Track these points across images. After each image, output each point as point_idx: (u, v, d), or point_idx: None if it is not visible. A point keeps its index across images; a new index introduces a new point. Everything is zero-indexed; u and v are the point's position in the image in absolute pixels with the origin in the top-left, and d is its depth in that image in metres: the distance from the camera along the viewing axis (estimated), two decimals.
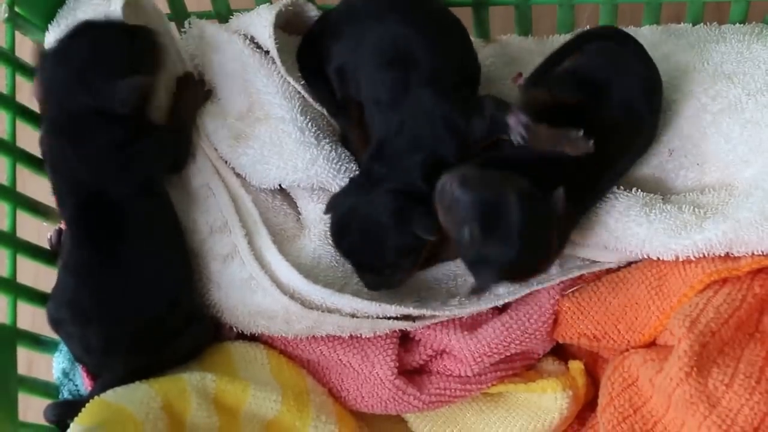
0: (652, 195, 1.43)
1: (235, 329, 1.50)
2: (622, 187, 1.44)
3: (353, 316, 1.42)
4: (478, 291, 1.35)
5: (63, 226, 1.50)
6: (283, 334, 1.48)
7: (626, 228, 1.40)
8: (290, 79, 1.54)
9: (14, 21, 1.52)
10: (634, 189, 1.43)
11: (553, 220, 1.30)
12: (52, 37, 1.54)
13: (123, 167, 1.42)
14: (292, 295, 1.42)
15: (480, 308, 1.47)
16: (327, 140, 1.52)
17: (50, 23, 1.56)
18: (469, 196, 1.27)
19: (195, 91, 1.56)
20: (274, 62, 1.56)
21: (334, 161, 1.49)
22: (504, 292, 1.48)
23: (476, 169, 1.32)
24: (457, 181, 1.28)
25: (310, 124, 1.51)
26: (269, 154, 1.51)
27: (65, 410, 1.43)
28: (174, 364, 1.42)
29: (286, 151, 1.50)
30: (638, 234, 1.39)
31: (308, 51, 1.58)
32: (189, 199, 1.53)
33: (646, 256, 1.41)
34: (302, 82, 1.56)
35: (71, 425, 1.29)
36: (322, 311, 1.41)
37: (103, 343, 1.39)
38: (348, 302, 1.41)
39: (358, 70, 1.47)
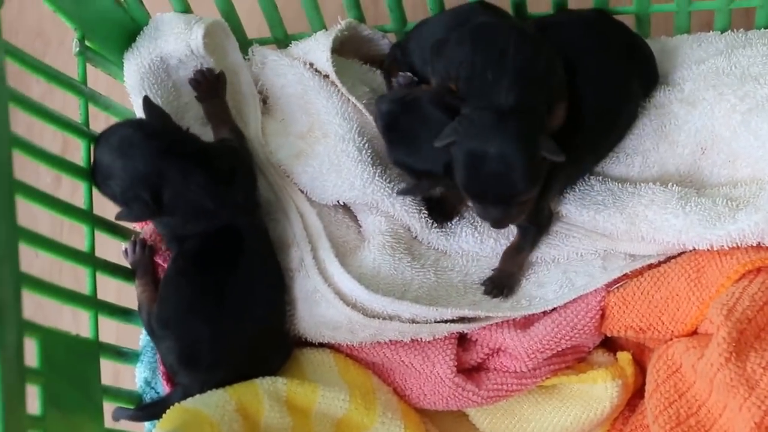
0: (687, 189, 1.47)
1: (303, 339, 1.55)
2: (659, 183, 1.48)
3: (413, 321, 1.47)
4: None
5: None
6: (349, 343, 1.53)
7: (664, 220, 1.44)
8: (351, 98, 1.60)
9: (85, 54, 1.58)
10: (670, 184, 1.48)
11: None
12: (132, 65, 1.59)
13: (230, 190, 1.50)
14: (355, 305, 1.47)
15: (531, 311, 1.52)
16: (382, 161, 1.57)
17: (127, 50, 1.61)
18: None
19: (212, 85, 1.62)
20: (333, 85, 1.61)
21: (388, 181, 1.55)
22: (553, 297, 1.53)
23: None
24: None
25: (367, 144, 1.57)
26: (328, 171, 1.56)
27: (145, 413, 1.51)
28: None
29: (344, 169, 1.55)
30: (675, 225, 1.43)
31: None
32: None
33: (682, 246, 1.46)
34: (364, 101, 1.61)
35: (153, 430, 1.37)
36: (384, 319, 1.46)
37: (208, 362, 1.44)
38: (407, 308, 1.46)
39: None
